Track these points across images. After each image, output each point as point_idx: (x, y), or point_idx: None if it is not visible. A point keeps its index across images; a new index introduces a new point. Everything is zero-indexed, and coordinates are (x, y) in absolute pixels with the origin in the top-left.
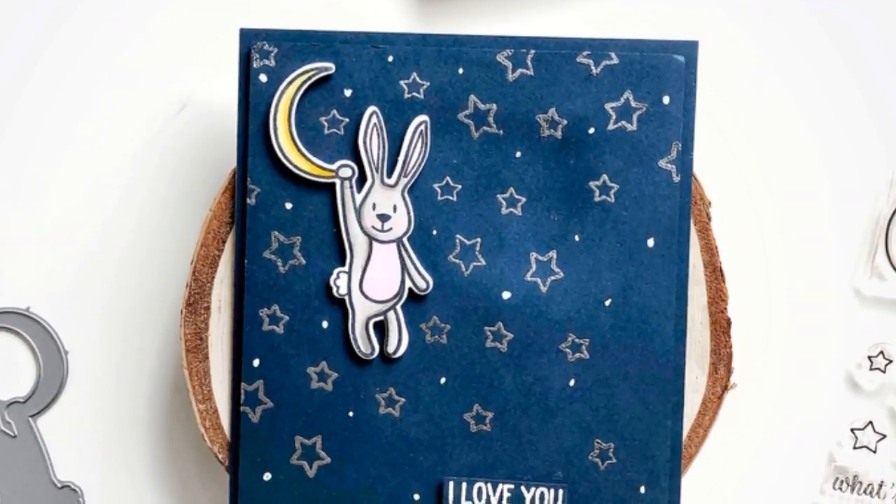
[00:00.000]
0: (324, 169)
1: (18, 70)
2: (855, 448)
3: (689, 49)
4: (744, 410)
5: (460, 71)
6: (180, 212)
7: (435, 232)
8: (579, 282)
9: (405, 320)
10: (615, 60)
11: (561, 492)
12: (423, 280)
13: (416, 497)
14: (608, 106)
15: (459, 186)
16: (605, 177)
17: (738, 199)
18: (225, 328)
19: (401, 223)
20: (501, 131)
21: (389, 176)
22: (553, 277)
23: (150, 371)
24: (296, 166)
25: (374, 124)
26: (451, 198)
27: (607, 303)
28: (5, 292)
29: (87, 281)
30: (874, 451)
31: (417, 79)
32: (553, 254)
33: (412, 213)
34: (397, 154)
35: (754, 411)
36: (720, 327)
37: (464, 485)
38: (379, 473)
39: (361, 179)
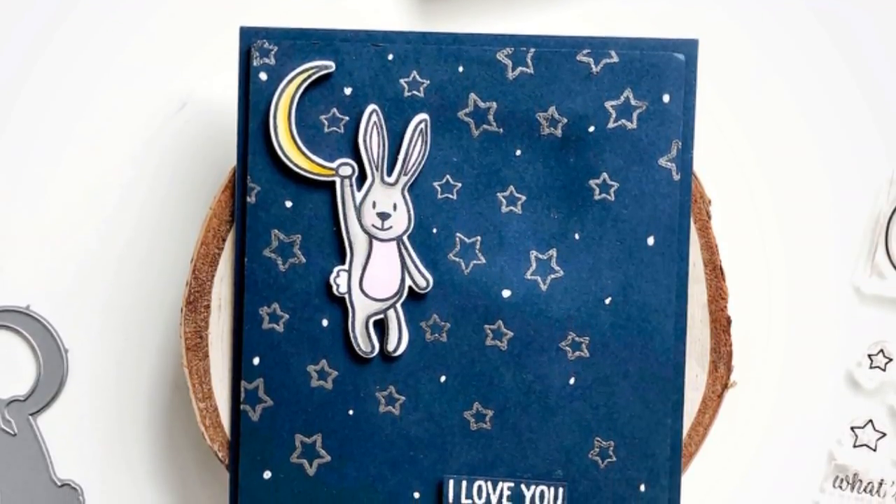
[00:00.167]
0: (324, 167)
1: (18, 68)
2: (855, 446)
3: (689, 47)
4: (744, 409)
5: (460, 69)
6: (180, 210)
7: (435, 230)
8: (579, 280)
9: (405, 318)
10: (615, 59)
11: (561, 490)
12: (423, 278)
13: (416, 495)
14: (608, 104)
15: (459, 185)
16: (605, 175)
17: (737, 197)
18: (225, 326)
19: (401, 221)
20: (501, 130)
21: (389, 174)
22: (553, 276)
23: (150, 369)
24: (296, 164)
25: (374, 122)
26: (451, 196)
27: (607, 301)
28: (5, 290)
29: (87, 279)
30: (874, 450)
31: (417, 77)
32: (553, 252)
33: (412, 212)
34: (397, 152)
35: (754, 409)
36: (720, 325)
37: (464, 483)
38: (379, 472)
39: (361, 178)
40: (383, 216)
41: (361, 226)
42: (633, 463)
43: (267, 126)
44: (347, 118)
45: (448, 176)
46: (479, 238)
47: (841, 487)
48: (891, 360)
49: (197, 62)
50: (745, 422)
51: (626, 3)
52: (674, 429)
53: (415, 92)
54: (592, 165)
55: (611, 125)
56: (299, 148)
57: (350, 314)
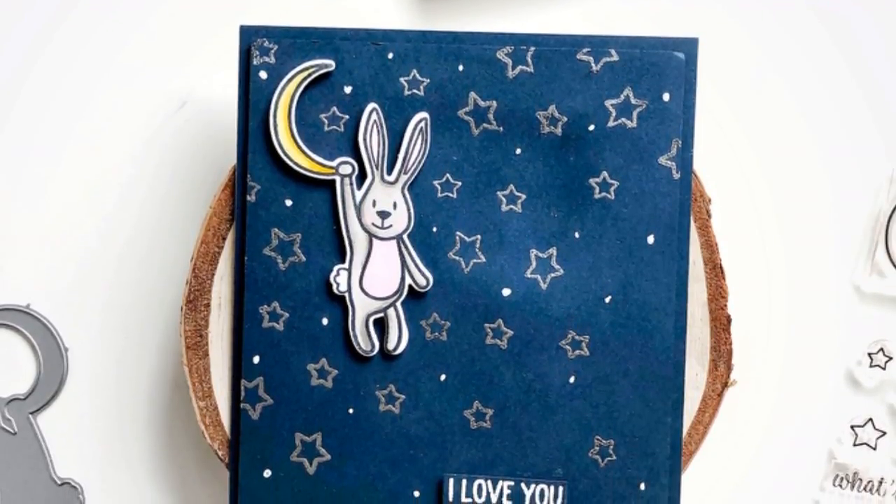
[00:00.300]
0: (324, 166)
1: (19, 67)
2: (855, 445)
3: (688, 46)
4: (744, 407)
5: (460, 68)
6: (180, 209)
7: (435, 229)
8: (579, 279)
9: (405, 317)
10: (615, 57)
11: (561, 489)
12: (423, 277)
13: (416, 494)
14: (608, 103)
15: (459, 183)
16: (605, 174)
17: (738, 195)
18: (225, 325)
19: (401, 220)
20: (501, 128)
21: (389, 173)
22: (553, 274)
23: (150, 368)
24: (296, 163)
25: (374, 121)
26: (451, 195)
27: (607, 300)
28: (5, 289)
29: (87, 278)
30: (874, 448)
31: (417, 76)
32: (553, 251)
33: (412, 210)
34: (397, 151)
35: (754, 408)
36: (720, 324)
37: (464, 482)
38: (379, 470)
39: (361, 176)
40: (383, 215)
41: (361, 224)
42: (633, 461)
43: (267, 125)
44: (347, 117)
45: (448, 174)
46: (479, 237)
47: (841, 486)
48: (891, 358)
49: (197, 61)
50: (745, 420)
51: (626, 2)
52: (674, 427)
53: (415, 90)
54: (592, 164)
55: (611, 124)
56: (299, 146)
57: (350, 313)
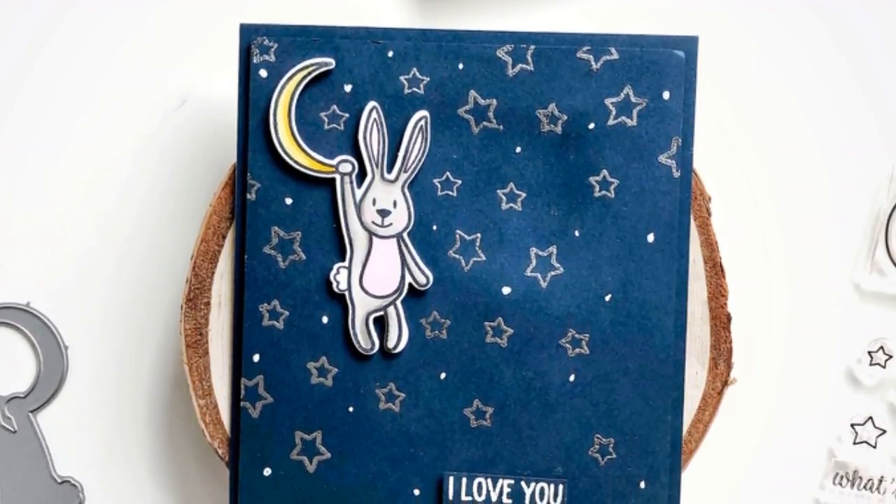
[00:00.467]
0: (324, 164)
1: (18, 65)
2: (855, 443)
3: (688, 44)
4: (744, 406)
5: (460, 66)
6: (180, 207)
7: (435, 227)
8: (579, 277)
9: (405, 315)
10: (615, 56)
11: (561, 487)
12: (423, 275)
13: (416, 492)
14: (608, 101)
15: (459, 182)
16: (605, 172)
17: (738, 194)
18: (225, 323)
19: (401, 218)
20: (501, 127)
21: (389, 171)
22: (553, 273)
23: (150, 366)
24: (296, 162)
25: (374, 120)
26: (451, 193)
27: (607, 298)
28: (5, 288)
29: (87, 276)
30: (874, 447)
31: (417, 74)
32: (553, 249)
33: (412, 209)
34: (397, 149)
35: (754, 407)
36: (720, 323)
37: (464, 480)
38: (379, 468)
39: (361, 175)
40: (383, 213)
41: (361, 223)
42: (633, 460)
43: (267, 123)
44: (347, 115)
45: (448, 173)
46: (479, 235)
47: (841, 484)
48: (891, 356)
49: (197, 59)
50: (745, 419)
51: (626, 1)
52: (674, 426)
53: (415, 89)
54: (592, 162)
55: (611, 122)
56: (299, 145)
57: (350, 311)
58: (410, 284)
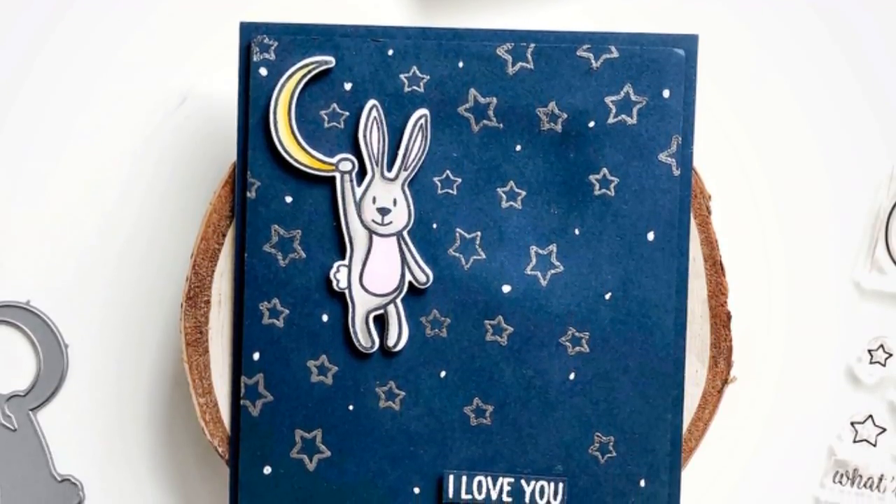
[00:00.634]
0: (324, 162)
1: (18, 64)
2: (855, 442)
3: (688, 43)
4: (744, 404)
5: (460, 64)
6: (180, 205)
7: (435, 225)
8: (579, 275)
9: (405, 314)
10: (615, 54)
11: (561, 485)
12: (423, 274)
13: (416, 490)
14: (608, 99)
15: (459, 180)
16: (605, 170)
17: (738, 192)
18: (225, 322)
19: (401, 217)
20: (501, 125)
21: (389, 169)
22: (553, 271)
23: (150, 365)
24: (296, 160)
25: (375, 118)
26: (451, 191)
27: (607, 296)
28: (5, 286)
29: (87, 275)
30: (874, 445)
31: (417, 72)
32: (553, 247)
33: (412, 207)
34: (397, 148)
35: (754, 405)
36: (720, 321)
37: (464, 478)
38: (379, 467)
39: (361, 173)
40: (383, 211)
41: (361, 221)
42: (633, 458)
43: (267, 121)
44: (347, 113)
45: (448, 171)
46: (479, 233)
47: (841, 483)
48: (891, 355)
49: (197, 58)
50: (745, 417)
51: None
52: (674, 424)
53: (415, 87)
54: (592, 161)
55: (611, 120)
56: (299, 143)
57: (350, 309)
58: (410, 283)
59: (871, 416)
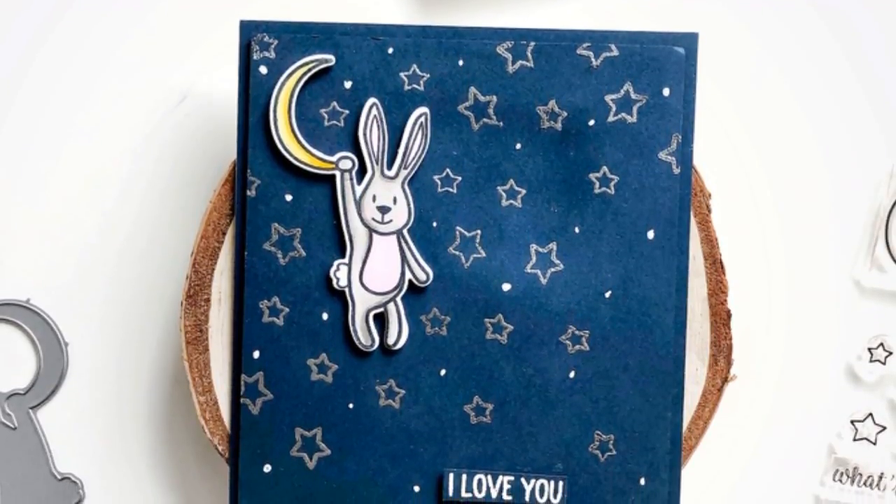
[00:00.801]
0: (324, 161)
1: (18, 62)
2: (855, 440)
3: (689, 41)
4: (744, 402)
5: (460, 63)
6: (180, 203)
7: (435, 224)
8: (579, 273)
9: (405, 312)
10: (615, 52)
11: (561, 484)
12: (423, 272)
13: (416, 489)
14: (608, 98)
15: (459, 178)
16: (605, 169)
17: (737, 190)
18: (225, 320)
19: (401, 215)
20: (501, 123)
21: (389, 168)
22: (553, 269)
23: (150, 363)
24: (296, 158)
25: (375, 116)
26: (451, 190)
27: (607, 295)
28: (5, 284)
29: (87, 273)
30: (874, 443)
31: (417, 71)
32: (553, 245)
33: (412, 205)
34: (397, 146)
35: (754, 403)
36: (720, 319)
37: (464, 476)
38: (379, 465)
39: (361, 171)
40: (383, 210)
41: (361, 219)
42: (633, 456)
43: (267, 120)
44: (347, 112)
45: (448, 169)
46: (479, 232)
47: (841, 481)
48: (891, 353)
49: (197, 56)
50: (745, 415)
51: None
52: (674, 422)
53: (415, 85)
54: (592, 159)
55: (611, 119)
56: (299, 141)
57: (350, 308)
58: (410, 281)
59: (871, 415)
